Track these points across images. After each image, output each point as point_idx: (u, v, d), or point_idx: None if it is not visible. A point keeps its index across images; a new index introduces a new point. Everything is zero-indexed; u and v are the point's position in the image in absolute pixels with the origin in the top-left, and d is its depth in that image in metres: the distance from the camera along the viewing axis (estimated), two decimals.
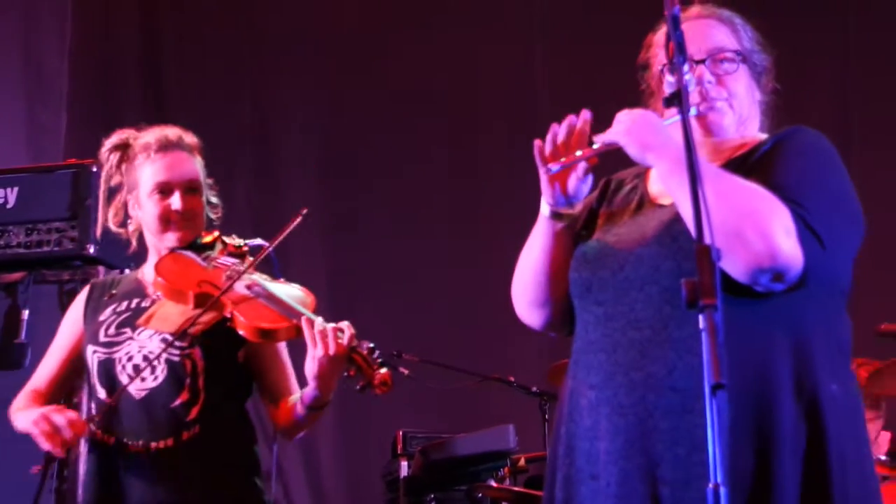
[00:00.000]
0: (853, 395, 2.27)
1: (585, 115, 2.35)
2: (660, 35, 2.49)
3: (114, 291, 3.24)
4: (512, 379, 5.38)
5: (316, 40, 7.37)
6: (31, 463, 3.10)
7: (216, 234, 3.23)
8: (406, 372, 5.54)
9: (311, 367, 2.91)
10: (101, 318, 3.16)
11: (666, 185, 2.30)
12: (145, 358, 3.04)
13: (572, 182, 2.39)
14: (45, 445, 2.93)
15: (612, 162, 2.40)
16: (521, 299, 2.55)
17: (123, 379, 3.03)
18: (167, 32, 7.37)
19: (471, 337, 6.66)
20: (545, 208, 2.45)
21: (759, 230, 2.12)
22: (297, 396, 3.10)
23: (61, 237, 4.07)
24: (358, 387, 2.93)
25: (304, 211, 3.07)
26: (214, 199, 3.32)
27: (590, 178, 2.40)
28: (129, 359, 3.06)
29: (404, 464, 5.58)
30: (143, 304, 3.16)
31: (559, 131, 2.35)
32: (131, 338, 3.08)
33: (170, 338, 3.04)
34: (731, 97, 2.41)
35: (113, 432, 3.02)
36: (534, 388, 5.33)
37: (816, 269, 2.17)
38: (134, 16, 7.32)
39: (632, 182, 2.53)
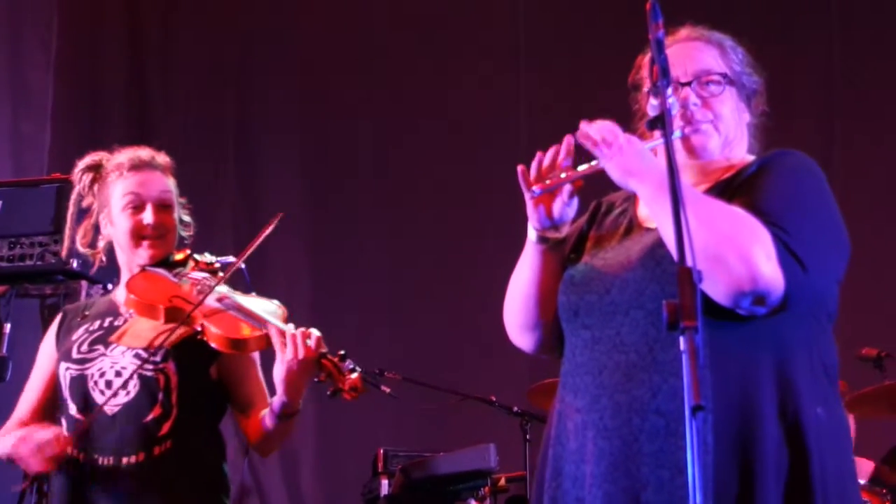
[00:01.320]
0: (839, 419, 2.27)
1: (569, 140, 2.35)
2: (649, 56, 2.51)
3: (87, 313, 3.23)
4: (493, 398, 5.38)
5: (303, 46, 7.37)
6: (14, 482, 3.12)
7: (187, 252, 3.23)
8: (388, 390, 5.53)
9: (280, 372, 2.92)
10: (74, 337, 3.16)
11: (649, 210, 2.30)
12: (118, 373, 3.03)
13: (557, 205, 2.39)
14: (32, 465, 2.94)
15: (602, 185, 2.42)
16: (512, 323, 2.55)
17: (96, 395, 3.03)
18: (152, 47, 7.37)
19: (453, 356, 6.66)
20: (532, 232, 2.45)
21: (739, 254, 2.13)
22: (267, 409, 3.09)
23: (44, 251, 4.06)
24: (329, 392, 2.93)
25: (280, 216, 3.12)
26: (186, 218, 3.32)
27: (575, 202, 2.40)
28: (101, 374, 3.05)
29: (385, 482, 5.58)
30: (116, 323, 3.15)
31: (544, 157, 2.36)
32: (104, 354, 3.08)
33: (143, 353, 3.03)
34: (717, 119, 2.41)
35: (83, 448, 3.00)
36: (515, 408, 5.33)
37: (798, 292, 2.17)
38: (119, 30, 7.32)
39: (622, 206, 2.54)
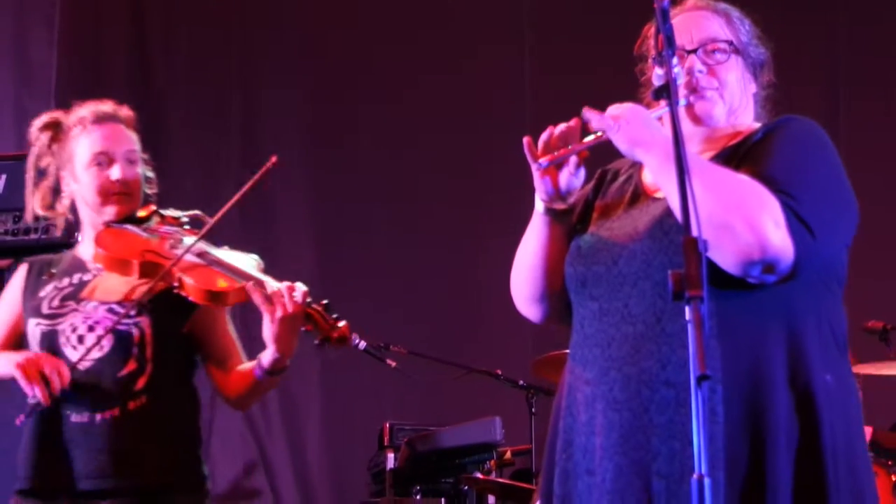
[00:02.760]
0: (848, 385, 2.28)
1: (576, 120, 2.35)
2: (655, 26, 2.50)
3: (53, 270, 3.18)
4: (499, 372, 5.39)
5: (307, 34, 7.36)
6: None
7: (152, 208, 3.20)
8: (393, 364, 5.54)
9: (269, 330, 2.91)
10: (42, 294, 3.12)
11: (656, 179, 2.31)
12: (90, 328, 3.01)
13: (564, 177, 2.38)
14: (33, 390, 2.90)
15: (606, 153, 2.41)
16: (520, 294, 2.55)
17: (67, 350, 3.00)
18: (156, 21, 7.34)
19: (458, 330, 6.67)
20: (539, 204, 2.44)
21: (747, 222, 2.12)
22: (252, 362, 3.08)
23: (48, 225, 4.05)
24: (316, 341, 2.94)
25: (273, 161, 3.07)
26: (150, 174, 3.26)
27: (582, 173, 2.39)
28: (74, 330, 3.02)
29: (391, 456, 5.59)
30: (85, 279, 3.12)
31: (553, 131, 2.35)
32: (76, 309, 3.05)
33: (117, 307, 3.01)
34: (722, 87, 2.40)
35: (56, 404, 2.96)
36: (521, 381, 5.34)
37: (807, 259, 2.17)
38: (123, 9, 7.30)
39: (626, 172, 2.53)
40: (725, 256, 2.14)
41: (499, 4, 7.35)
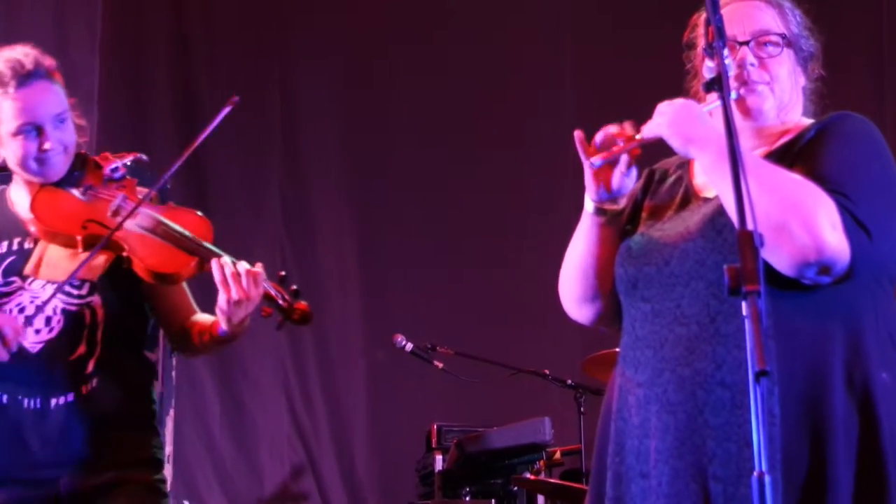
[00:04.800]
0: None
1: (630, 123, 2.34)
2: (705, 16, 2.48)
3: None
4: (547, 371, 5.38)
5: (344, 14, 7.37)
6: None
7: (84, 153, 3.00)
8: (440, 365, 5.55)
9: (224, 310, 2.81)
10: None
11: (709, 178, 2.29)
12: (38, 308, 2.86)
13: (616, 176, 2.35)
14: None
15: (654, 152, 2.39)
16: (569, 296, 2.52)
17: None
18: (194, 26, 7.38)
19: (505, 330, 6.66)
20: (589, 204, 2.42)
21: (804, 223, 2.10)
22: (206, 319, 3.00)
23: None
24: (277, 324, 2.88)
25: (235, 99, 2.92)
26: (80, 121, 3.01)
27: (634, 172, 2.37)
28: (21, 310, 2.87)
29: (439, 457, 5.59)
30: (27, 245, 2.94)
31: (608, 129, 2.34)
32: (22, 287, 2.89)
33: (65, 287, 2.84)
34: (773, 81, 2.37)
35: (5, 388, 2.84)
36: (569, 381, 5.33)
37: (864, 260, 2.15)
38: (163, 11, 7.35)
39: (675, 172, 2.50)
40: (781, 258, 2.12)
41: (539, 7, 7.33)
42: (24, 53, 2.92)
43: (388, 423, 6.90)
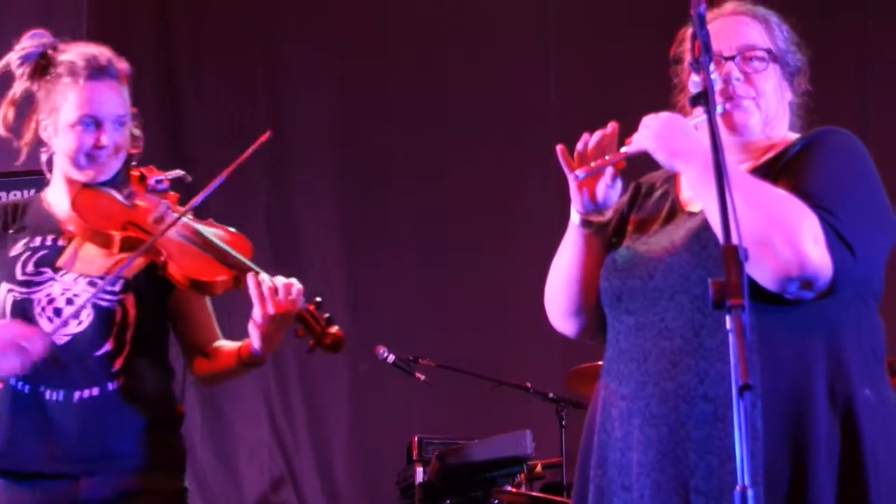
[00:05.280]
0: (888, 399, 2.27)
1: (613, 125, 2.36)
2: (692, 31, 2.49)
3: (24, 224, 2.98)
4: (528, 385, 5.38)
5: (332, 46, 7.38)
6: None
7: (133, 165, 3.01)
8: (422, 377, 5.55)
9: (257, 325, 2.79)
10: (13, 253, 2.92)
11: (694, 192, 2.31)
12: (69, 301, 2.84)
13: (601, 188, 2.38)
14: (9, 364, 2.73)
15: (641, 165, 2.39)
16: (555, 309, 2.54)
17: (42, 322, 2.82)
18: (182, 36, 7.39)
19: (488, 342, 6.66)
20: (575, 216, 2.44)
21: (787, 238, 2.12)
22: (230, 346, 2.98)
23: None
24: (307, 348, 2.84)
25: (268, 134, 2.90)
26: (137, 132, 3.05)
27: (619, 184, 2.39)
28: (50, 301, 2.85)
29: (420, 469, 5.57)
30: (60, 243, 2.93)
31: (589, 139, 2.35)
32: (53, 279, 2.87)
33: (98, 281, 2.86)
34: (759, 96, 2.39)
35: (28, 379, 2.82)
36: (550, 394, 5.33)
37: (846, 276, 2.17)
38: (150, 22, 7.34)
39: (662, 187, 2.52)
40: (764, 272, 2.14)
41: (524, 17, 7.34)
42: (99, 51, 2.96)
43: (370, 434, 6.90)
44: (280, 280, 2.80)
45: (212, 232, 2.93)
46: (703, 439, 2.18)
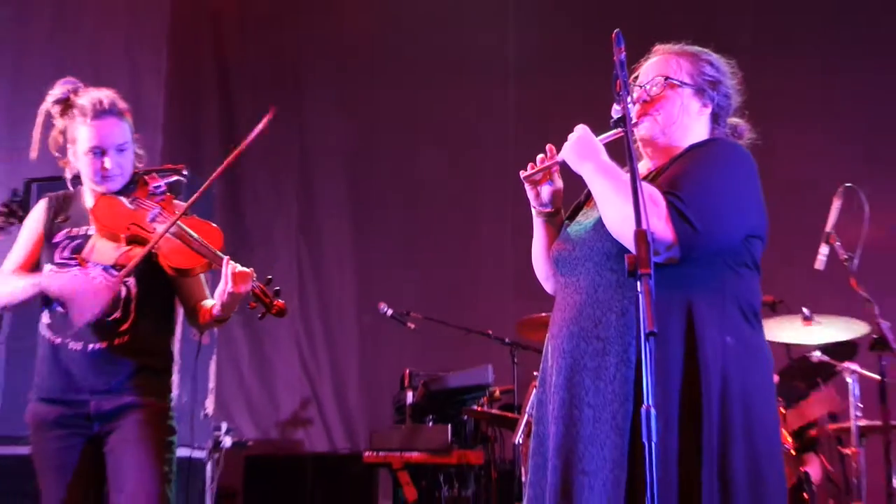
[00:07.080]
0: (750, 345, 2.22)
1: (550, 147, 2.39)
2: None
3: (68, 216, 3.06)
4: (490, 332, 5.37)
5: (341, 65, 7.24)
6: None
7: (139, 173, 3.06)
8: (412, 326, 5.54)
9: (221, 297, 2.88)
10: (57, 239, 3.03)
11: (589, 186, 2.29)
12: None
13: (544, 190, 2.44)
14: (86, 310, 2.87)
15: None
16: (537, 274, 2.55)
17: None
18: (236, 67, 7.28)
19: (461, 299, 6.64)
20: (533, 211, 2.49)
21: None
22: (207, 305, 3.04)
23: None
24: (259, 315, 2.90)
25: (270, 115, 2.80)
26: (140, 151, 3.09)
27: (550, 188, 2.43)
28: None
29: (410, 394, 5.56)
30: (90, 232, 3.01)
31: (537, 158, 2.41)
32: (79, 265, 2.97)
33: (111, 269, 2.95)
34: (658, 113, 2.37)
35: (59, 334, 2.96)
36: (506, 339, 5.32)
37: (692, 246, 2.12)
38: (210, 58, 7.25)
39: None
40: (626, 241, 2.14)
41: (487, 46, 7.18)
42: (105, 95, 3.01)
43: (373, 368, 6.89)
44: (239, 268, 2.87)
45: (194, 226, 2.96)
46: (594, 368, 2.20)
